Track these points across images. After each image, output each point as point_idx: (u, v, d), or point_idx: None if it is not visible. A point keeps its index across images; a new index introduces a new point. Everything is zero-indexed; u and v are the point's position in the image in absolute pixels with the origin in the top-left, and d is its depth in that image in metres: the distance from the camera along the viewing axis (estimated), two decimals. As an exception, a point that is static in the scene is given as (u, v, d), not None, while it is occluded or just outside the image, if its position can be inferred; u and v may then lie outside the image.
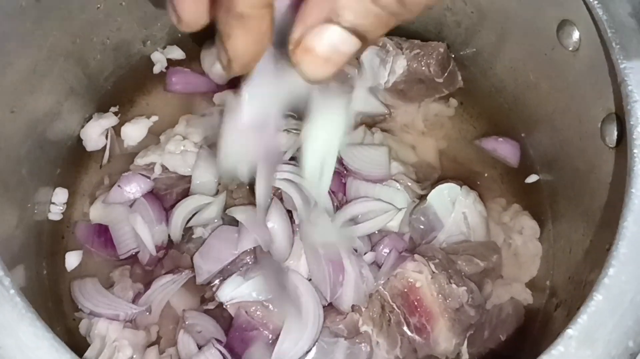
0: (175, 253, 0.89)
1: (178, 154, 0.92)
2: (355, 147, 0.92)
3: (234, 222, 0.87)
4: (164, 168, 0.92)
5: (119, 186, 0.90)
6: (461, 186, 0.91)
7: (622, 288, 0.58)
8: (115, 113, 0.99)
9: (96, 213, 0.92)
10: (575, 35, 0.75)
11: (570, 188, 0.87)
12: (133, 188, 0.90)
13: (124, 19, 0.94)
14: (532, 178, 0.97)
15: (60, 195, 0.94)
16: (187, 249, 0.88)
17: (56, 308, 0.88)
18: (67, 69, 0.88)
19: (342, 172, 0.90)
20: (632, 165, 0.62)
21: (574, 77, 0.78)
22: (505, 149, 0.98)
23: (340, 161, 0.89)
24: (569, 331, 0.57)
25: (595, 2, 0.68)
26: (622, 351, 0.57)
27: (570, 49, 0.77)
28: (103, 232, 0.91)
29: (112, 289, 0.86)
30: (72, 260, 0.91)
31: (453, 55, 1.01)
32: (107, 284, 0.88)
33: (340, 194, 0.90)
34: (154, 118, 0.99)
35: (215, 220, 0.89)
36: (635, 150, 0.63)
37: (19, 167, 0.83)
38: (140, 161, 0.93)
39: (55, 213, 0.93)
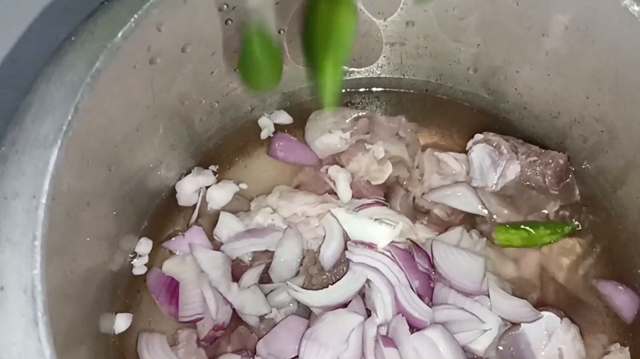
0: (244, 330, 0.86)
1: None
2: (450, 248, 0.86)
3: (308, 311, 0.83)
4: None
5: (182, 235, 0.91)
6: (562, 319, 0.83)
7: None
8: (214, 172, 0.98)
9: (170, 266, 0.91)
10: None
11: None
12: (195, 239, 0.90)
13: (236, 84, 0.93)
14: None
15: (145, 246, 0.93)
16: (257, 329, 0.85)
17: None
18: (171, 128, 0.87)
19: (431, 274, 0.84)
20: None
21: None
22: (622, 301, 0.87)
23: (430, 261, 0.84)
24: None
25: None
26: None
27: None
28: (173, 288, 0.89)
29: (176, 348, 0.84)
30: (121, 322, 0.88)
31: (573, 169, 0.93)
32: (172, 340, 0.86)
33: (426, 298, 0.84)
34: (243, 185, 0.97)
35: (290, 304, 0.86)
36: None
37: (107, 219, 0.82)
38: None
39: (139, 266, 0.91)
